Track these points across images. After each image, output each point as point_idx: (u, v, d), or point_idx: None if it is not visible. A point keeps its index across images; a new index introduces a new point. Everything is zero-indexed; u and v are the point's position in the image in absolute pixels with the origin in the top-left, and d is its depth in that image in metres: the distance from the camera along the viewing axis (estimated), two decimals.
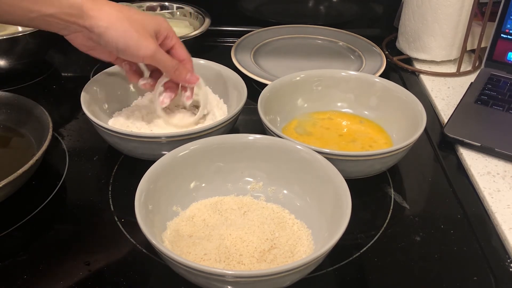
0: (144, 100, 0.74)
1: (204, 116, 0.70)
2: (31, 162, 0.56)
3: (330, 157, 0.55)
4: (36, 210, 0.59)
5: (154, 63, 0.61)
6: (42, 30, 0.83)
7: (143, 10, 1.01)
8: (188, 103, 0.68)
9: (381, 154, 0.58)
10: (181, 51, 0.64)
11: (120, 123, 0.68)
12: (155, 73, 0.66)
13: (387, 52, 0.97)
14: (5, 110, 0.69)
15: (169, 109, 0.70)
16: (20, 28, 0.91)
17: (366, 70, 0.88)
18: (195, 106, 0.72)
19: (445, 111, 0.79)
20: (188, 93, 0.67)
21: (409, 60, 0.96)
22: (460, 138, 0.70)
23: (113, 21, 0.55)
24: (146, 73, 0.66)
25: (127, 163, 0.67)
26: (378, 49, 0.95)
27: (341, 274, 0.52)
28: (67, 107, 0.81)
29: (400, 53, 0.97)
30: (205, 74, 0.75)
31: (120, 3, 0.58)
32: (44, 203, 0.60)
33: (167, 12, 1.01)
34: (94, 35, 0.56)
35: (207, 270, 0.42)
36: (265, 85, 0.70)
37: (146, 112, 0.70)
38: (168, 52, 0.63)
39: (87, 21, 0.55)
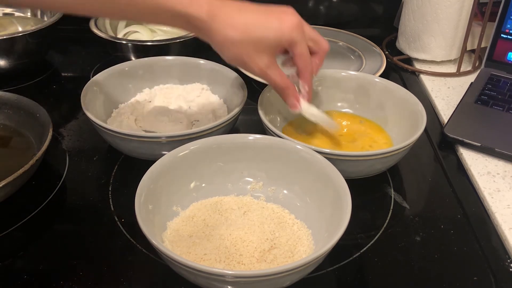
0: (143, 95, 0.74)
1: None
2: (31, 162, 0.56)
3: (330, 157, 0.55)
4: (36, 210, 0.59)
5: (264, 80, 0.60)
6: (42, 30, 0.82)
7: None
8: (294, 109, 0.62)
9: (381, 154, 0.58)
10: (300, 61, 0.59)
11: (118, 121, 0.68)
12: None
13: (387, 52, 0.97)
14: (5, 110, 0.69)
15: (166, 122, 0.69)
16: (20, 28, 0.91)
17: (366, 70, 0.88)
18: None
19: (445, 111, 0.79)
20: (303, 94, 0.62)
21: (409, 60, 0.96)
22: (460, 138, 0.70)
23: (227, 45, 0.56)
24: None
25: (127, 163, 0.67)
26: (378, 49, 0.94)
27: (341, 274, 0.52)
28: (67, 107, 0.81)
29: (400, 53, 0.97)
30: (205, 74, 0.75)
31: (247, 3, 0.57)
32: (44, 203, 0.60)
33: None
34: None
35: (207, 270, 0.42)
36: (265, 85, 0.70)
37: (141, 107, 0.70)
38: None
39: (204, 36, 0.57)
